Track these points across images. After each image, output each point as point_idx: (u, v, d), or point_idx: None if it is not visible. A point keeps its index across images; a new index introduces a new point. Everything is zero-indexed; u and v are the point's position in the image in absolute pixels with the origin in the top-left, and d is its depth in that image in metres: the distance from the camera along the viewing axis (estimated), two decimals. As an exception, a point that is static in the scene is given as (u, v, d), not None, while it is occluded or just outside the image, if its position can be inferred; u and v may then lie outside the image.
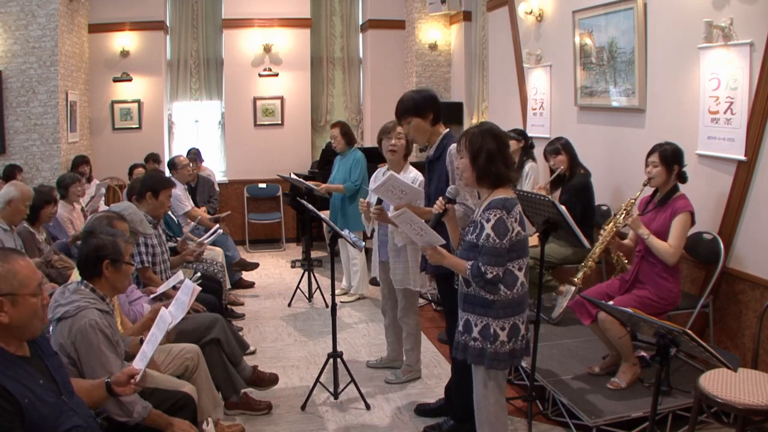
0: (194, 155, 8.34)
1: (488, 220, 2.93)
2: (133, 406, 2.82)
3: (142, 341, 3.05)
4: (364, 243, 4.27)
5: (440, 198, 3.17)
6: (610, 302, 3.97)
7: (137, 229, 4.21)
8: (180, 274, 4.34)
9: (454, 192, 3.16)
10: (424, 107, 3.74)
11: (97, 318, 2.88)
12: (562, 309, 5.19)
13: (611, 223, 4.17)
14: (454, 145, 3.52)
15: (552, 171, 5.40)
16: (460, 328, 3.17)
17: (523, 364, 4.30)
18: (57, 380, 2.40)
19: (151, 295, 4.14)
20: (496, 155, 3.00)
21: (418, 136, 3.80)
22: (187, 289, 3.26)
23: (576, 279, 4.25)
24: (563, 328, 5.17)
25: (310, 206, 4.62)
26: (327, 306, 4.39)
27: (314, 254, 7.38)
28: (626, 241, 4.30)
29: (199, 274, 4.75)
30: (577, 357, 4.57)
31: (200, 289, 3.46)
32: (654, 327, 2.62)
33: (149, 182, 4.83)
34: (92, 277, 3.07)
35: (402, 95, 3.86)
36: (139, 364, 2.72)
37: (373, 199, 4.23)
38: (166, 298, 4.03)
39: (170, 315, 3.00)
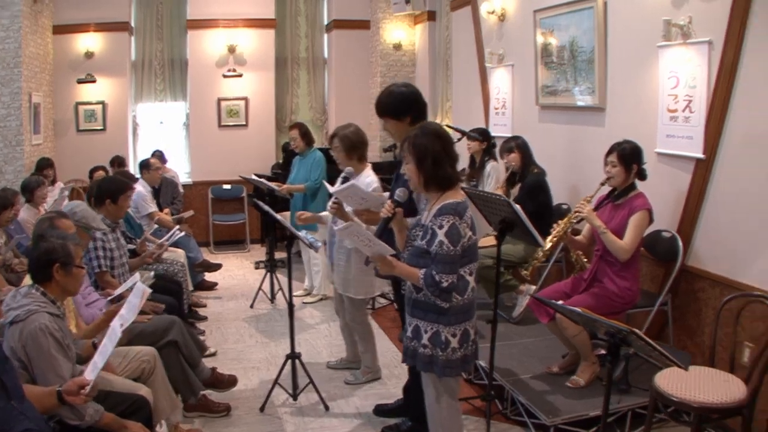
0: (158, 157, 8.16)
1: (441, 227, 2.82)
2: (84, 410, 2.79)
3: (95, 345, 3.12)
4: (320, 244, 4.16)
5: (388, 201, 3.05)
6: (565, 301, 3.92)
7: (90, 224, 4.11)
8: (137, 276, 4.20)
9: (402, 195, 3.05)
10: (401, 109, 3.56)
11: (47, 322, 2.86)
12: (522, 308, 5.17)
13: (566, 218, 4.11)
14: None
15: (507, 170, 5.38)
16: (409, 333, 3.08)
17: (482, 363, 4.27)
18: (6, 385, 2.39)
19: (108, 298, 4.00)
20: (442, 157, 2.90)
21: (397, 136, 3.63)
22: (138, 292, 3.22)
23: (524, 272, 4.22)
24: (523, 327, 5.14)
25: (266, 207, 4.50)
26: (294, 306, 4.44)
27: (279, 255, 7.26)
28: (579, 237, 4.25)
29: (152, 274, 4.63)
30: (536, 356, 4.54)
31: (150, 291, 3.40)
32: (603, 327, 2.57)
33: (107, 187, 4.71)
34: (43, 281, 3.04)
35: (385, 90, 3.65)
36: (89, 374, 2.73)
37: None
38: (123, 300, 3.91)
39: (121, 318, 3.01)
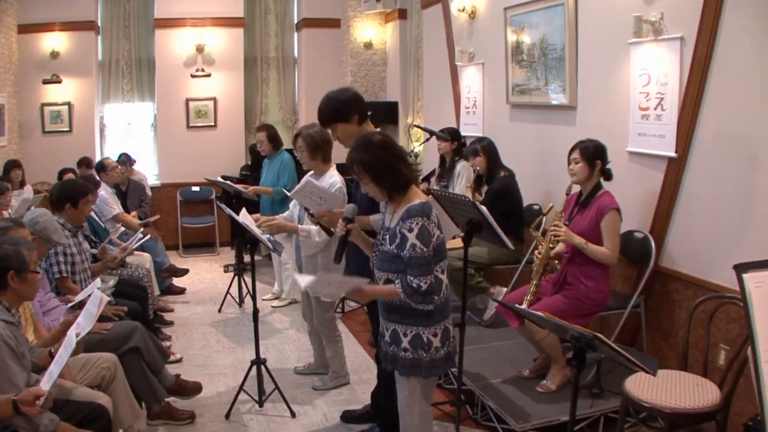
0: (125, 160, 8.11)
1: (411, 230, 2.79)
2: (39, 420, 2.76)
3: (51, 354, 3.06)
4: (284, 247, 4.09)
5: (340, 221, 3.02)
6: (536, 304, 3.94)
7: (52, 238, 4.03)
8: (98, 282, 4.10)
9: (351, 211, 3.01)
10: (344, 111, 3.48)
11: (0, 330, 2.81)
12: (493, 311, 5.13)
13: (544, 243, 4.06)
14: None
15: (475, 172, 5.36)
16: (387, 338, 3.04)
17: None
18: None
19: (69, 304, 3.93)
20: (394, 163, 2.87)
21: (348, 139, 3.51)
22: (95, 300, 3.17)
23: (527, 299, 4.09)
24: (494, 330, 5.11)
25: (227, 209, 4.40)
26: (259, 311, 4.43)
27: (249, 258, 7.15)
28: (559, 248, 4.17)
29: (112, 283, 4.50)
30: (507, 360, 4.52)
31: (108, 299, 3.34)
32: (568, 331, 2.52)
33: (67, 192, 4.61)
34: (-2, 289, 2.98)
35: (323, 99, 3.56)
36: (45, 385, 2.69)
37: (295, 207, 4.20)
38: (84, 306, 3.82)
39: (78, 326, 2.98)
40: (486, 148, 5.23)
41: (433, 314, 2.90)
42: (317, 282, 3.01)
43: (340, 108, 3.48)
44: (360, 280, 2.91)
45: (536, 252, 4.14)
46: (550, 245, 4.04)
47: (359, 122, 3.52)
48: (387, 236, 2.91)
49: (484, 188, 5.27)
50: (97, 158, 8.75)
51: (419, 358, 2.93)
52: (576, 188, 4.08)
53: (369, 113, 3.60)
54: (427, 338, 2.91)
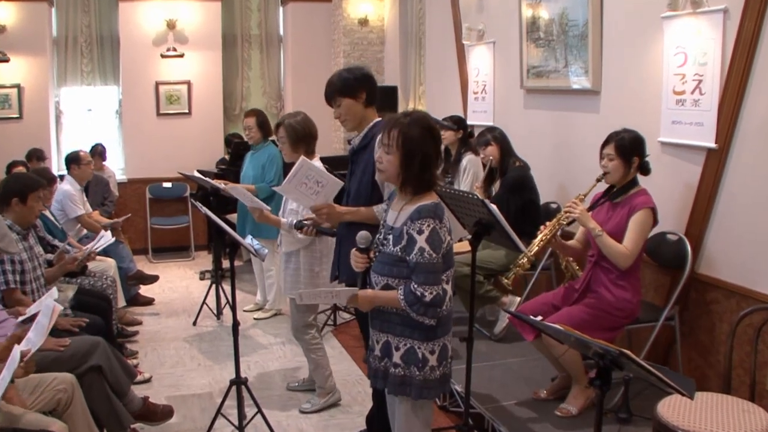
0: (99, 152, 8.15)
1: (420, 232, 2.79)
2: None
3: None
4: (267, 251, 4.07)
5: (354, 252, 3.02)
6: (553, 315, 3.93)
7: None
8: (54, 292, 4.06)
9: (366, 240, 3.01)
10: (354, 86, 3.62)
11: None
12: (505, 323, 5.13)
13: (554, 219, 4.05)
14: None
15: (485, 166, 5.35)
16: (377, 352, 3.03)
17: (458, 387, 4.22)
18: None
19: (19, 318, 3.88)
20: (432, 160, 2.90)
21: (350, 119, 3.67)
22: (47, 310, 3.15)
23: (506, 281, 4.16)
24: (506, 345, 5.10)
25: (204, 209, 4.39)
26: (239, 324, 4.43)
27: (229, 264, 7.14)
28: (571, 242, 4.21)
29: (71, 293, 4.46)
30: (521, 379, 4.51)
31: (61, 308, 3.35)
32: (590, 346, 2.50)
33: (14, 185, 4.56)
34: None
35: (333, 74, 3.72)
36: None
37: (287, 207, 4.33)
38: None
39: (28, 341, 2.97)
40: (498, 138, 5.24)
41: (432, 328, 2.88)
42: (314, 291, 3.12)
43: (350, 81, 3.61)
44: (350, 290, 2.94)
45: (541, 228, 4.09)
46: (561, 222, 4.01)
47: (366, 103, 3.65)
48: (390, 236, 2.90)
49: (497, 184, 5.27)
50: (53, 150, 8.78)
51: (410, 376, 2.91)
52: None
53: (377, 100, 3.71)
54: (422, 354, 2.90)
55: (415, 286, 2.78)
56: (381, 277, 2.92)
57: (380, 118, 3.74)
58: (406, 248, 2.81)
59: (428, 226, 2.78)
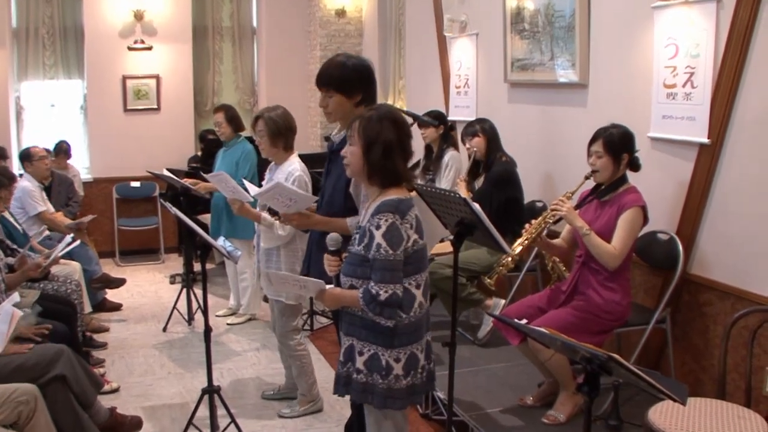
0: (66, 148, 8.13)
1: (378, 227, 2.79)
2: None
3: None
4: (240, 253, 4.04)
5: (326, 257, 3.04)
6: (539, 318, 3.98)
7: None
8: (15, 297, 4.09)
9: (336, 242, 3.03)
10: (354, 86, 3.51)
11: None
12: (489, 327, 5.14)
13: (540, 218, 4.06)
14: None
15: (469, 158, 5.38)
16: (341, 357, 3.04)
17: (441, 394, 4.25)
18: None
19: None
20: (394, 148, 2.88)
21: (336, 114, 3.60)
22: (5, 316, 3.21)
23: (488, 281, 4.15)
24: (491, 349, 5.12)
25: (174, 209, 4.37)
26: (212, 330, 4.44)
27: (207, 266, 7.14)
28: (556, 241, 4.21)
29: (33, 298, 4.41)
30: (507, 385, 4.53)
31: (21, 313, 3.39)
32: (577, 350, 2.48)
33: None
34: None
35: (333, 60, 3.58)
36: None
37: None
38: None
39: None
40: (486, 129, 5.25)
41: (396, 334, 2.88)
42: (278, 277, 3.15)
43: (351, 79, 3.49)
44: (318, 282, 2.93)
45: (525, 226, 4.09)
46: (547, 220, 4.01)
47: (358, 104, 3.55)
48: (357, 235, 2.92)
49: (481, 179, 5.29)
50: (13, 147, 8.68)
51: (373, 384, 2.91)
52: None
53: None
54: (386, 362, 2.89)
55: (372, 284, 2.78)
56: (346, 277, 2.93)
57: None
58: (368, 246, 2.82)
59: (386, 221, 2.77)
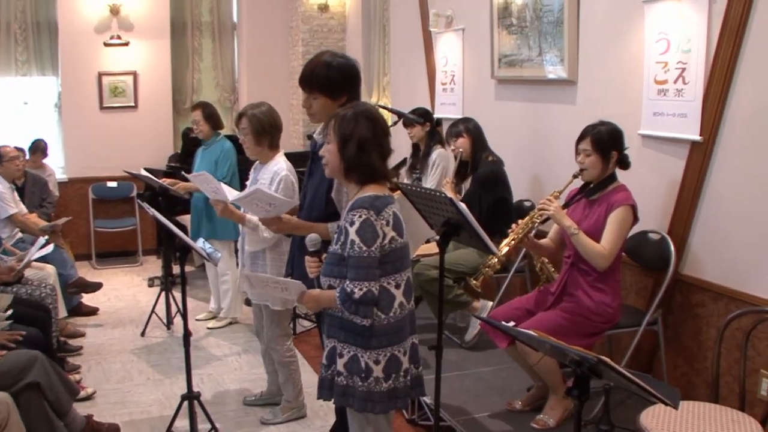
0: (42, 148, 8.10)
1: (352, 223, 2.82)
2: None
3: None
4: (220, 255, 4.01)
5: (306, 258, 3.06)
6: (528, 320, 3.94)
7: None
8: None
9: (315, 242, 3.03)
10: (338, 88, 3.49)
11: None
12: (477, 330, 5.15)
13: (527, 217, 4.06)
14: None
15: (455, 159, 5.37)
16: (325, 360, 3.04)
17: (427, 399, 4.24)
18: None
19: None
20: (370, 144, 2.90)
21: (320, 116, 3.57)
22: None
23: (474, 282, 4.13)
24: (478, 353, 5.12)
25: (152, 210, 4.33)
26: (191, 334, 4.47)
27: (186, 268, 7.10)
28: (544, 241, 4.21)
29: (5, 302, 4.37)
30: (495, 389, 4.53)
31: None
32: (566, 353, 2.49)
33: None
34: None
35: (318, 60, 3.54)
36: None
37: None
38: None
39: None
40: (471, 130, 5.25)
41: (374, 335, 2.88)
42: (257, 279, 3.18)
43: (336, 81, 3.47)
44: (298, 284, 2.96)
45: (512, 226, 4.09)
46: (534, 220, 4.01)
47: (344, 105, 3.50)
48: (336, 234, 2.94)
49: (468, 180, 5.28)
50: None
51: (353, 386, 2.92)
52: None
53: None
54: (365, 364, 2.89)
55: (347, 282, 2.80)
56: (326, 278, 2.94)
57: None
58: (344, 243, 2.83)
59: (360, 217, 2.79)
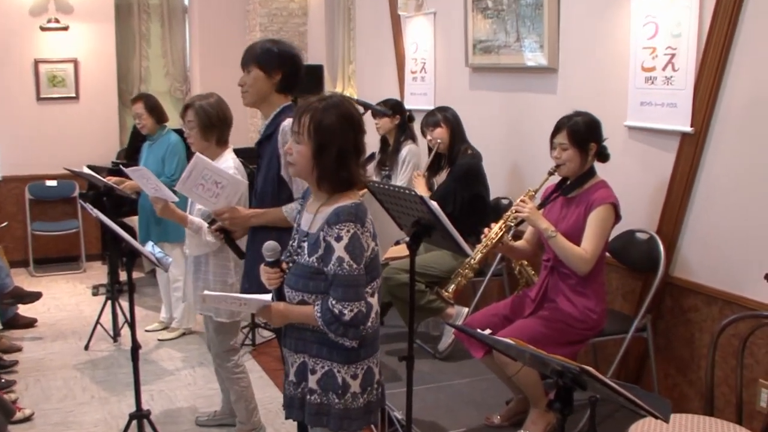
0: None
1: (339, 239, 2.74)
2: None
3: None
4: (171, 260, 3.96)
5: (263, 268, 2.97)
6: (506, 328, 3.94)
7: None
8: None
9: (274, 251, 2.96)
10: (272, 62, 3.73)
11: None
12: (451, 339, 5.16)
13: (501, 221, 4.07)
14: (288, 121, 3.43)
15: (431, 150, 5.39)
16: (292, 377, 2.99)
17: (398, 414, 4.25)
18: None
19: None
20: (350, 154, 2.83)
21: (252, 92, 3.79)
22: None
23: (446, 293, 4.15)
24: (453, 363, 5.15)
25: (96, 211, 4.31)
26: (140, 347, 4.40)
27: (134, 275, 7.06)
28: (521, 243, 4.23)
29: None
30: (471, 403, 4.55)
31: None
32: (547, 363, 2.50)
33: None
34: None
35: (264, 40, 3.87)
36: None
37: (195, 204, 4.23)
38: None
39: None
40: (449, 119, 5.27)
41: (355, 349, 2.87)
42: (216, 296, 3.08)
43: (270, 54, 3.72)
44: (262, 299, 2.90)
45: (485, 231, 4.09)
46: (509, 223, 4.03)
47: (279, 87, 3.78)
48: (306, 244, 2.87)
49: (443, 174, 5.30)
50: None
51: (329, 404, 2.89)
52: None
53: (296, 98, 3.75)
54: (342, 379, 2.87)
55: (333, 302, 2.74)
56: (295, 292, 2.88)
57: (290, 102, 3.80)
58: (324, 258, 2.77)
59: (347, 231, 2.74)
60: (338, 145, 2.78)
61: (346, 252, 2.72)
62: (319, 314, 2.76)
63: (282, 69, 3.71)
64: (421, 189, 5.26)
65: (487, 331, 2.91)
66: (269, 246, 2.94)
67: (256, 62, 3.70)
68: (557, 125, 3.98)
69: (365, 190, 3.78)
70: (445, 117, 5.27)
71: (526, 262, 4.36)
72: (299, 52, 3.84)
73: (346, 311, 2.72)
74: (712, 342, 3.45)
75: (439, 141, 5.24)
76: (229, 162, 4.37)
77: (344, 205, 2.78)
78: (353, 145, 2.84)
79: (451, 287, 4.13)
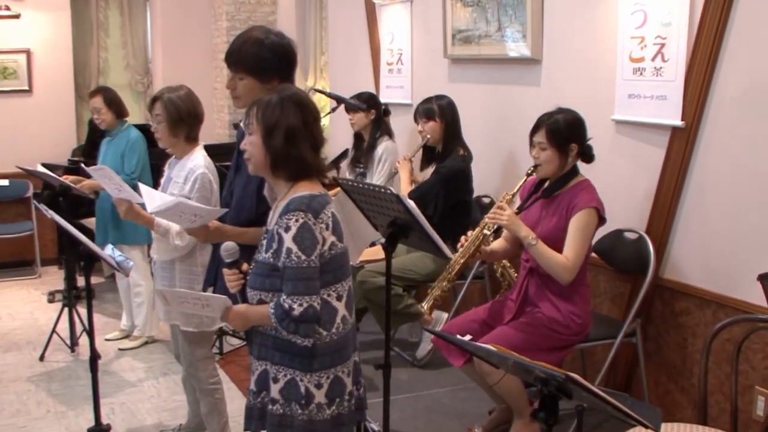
0: None
1: (287, 229, 2.77)
2: None
3: None
4: (132, 264, 3.92)
5: (224, 271, 3.02)
6: (487, 334, 3.97)
7: None
8: None
9: (232, 251, 3.01)
10: (269, 69, 3.49)
11: None
12: (430, 346, 5.20)
13: (478, 229, 4.09)
14: None
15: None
16: (253, 386, 2.99)
17: (374, 426, 4.23)
18: None
19: None
20: (299, 133, 2.87)
21: (246, 99, 3.55)
22: None
23: (424, 307, 4.22)
24: (432, 371, 5.21)
25: (51, 212, 4.25)
26: (100, 357, 4.32)
27: (93, 280, 7.03)
28: (497, 245, 4.23)
29: None
30: (452, 413, 4.61)
31: None
32: (530, 371, 2.50)
33: None
34: None
35: (249, 35, 3.54)
36: None
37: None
38: None
39: None
40: (445, 110, 5.28)
41: (316, 355, 2.87)
42: (175, 295, 3.08)
43: (266, 62, 3.46)
44: (221, 298, 2.90)
45: (461, 240, 4.10)
46: (485, 231, 4.04)
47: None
48: (265, 241, 2.91)
49: (430, 169, 5.31)
50: None
51: (291, 416, 2.88)
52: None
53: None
54: (305, 389, 2.87)
55: (284, 297, 2.76)
56: (254, 291, 2.90)
57: None
58: (277, 252, 2.80)
59: (296, 221, 2.76)
60: (285, 125, 2.84)
61: (294, 242, 2.74)
62: (272, 311, 2.78)
63: (278, 74, 3.52)
64: (405, 175, 5.27)
65: (468, 338, 2.92)
66: (226, 246, 2.98)
67: (247, 70, 3.50)
68: (536, 123, 4.00)
69: (338, 189, 3.77)
70: (441, 109, 5.27)
71: (508, 264, 4.38)
72: (292, 44, 3.63)
73: (295, 305, 2.73)
74: (705, 347, 3.47)
75: (428, 136, 5.24)
76: (199, 161, 4.34)
77: (299, 194, 2.82)
78: (303, 127, 2.87)
79: (428, 303, 4.19)
